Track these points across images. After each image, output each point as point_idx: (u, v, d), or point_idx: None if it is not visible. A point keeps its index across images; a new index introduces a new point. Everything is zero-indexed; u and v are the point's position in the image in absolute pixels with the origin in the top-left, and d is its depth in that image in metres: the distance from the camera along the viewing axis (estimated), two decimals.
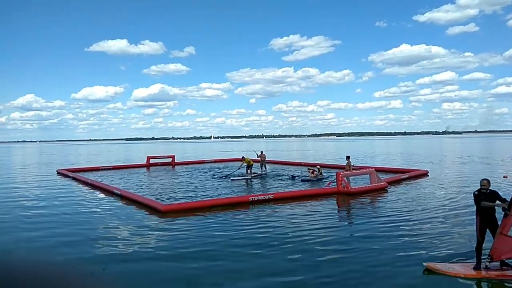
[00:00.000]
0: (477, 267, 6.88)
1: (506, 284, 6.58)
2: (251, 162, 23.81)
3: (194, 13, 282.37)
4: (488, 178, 7.06)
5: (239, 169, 24.28)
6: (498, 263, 6.96)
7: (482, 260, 6.94)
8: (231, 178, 22.53)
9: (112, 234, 10.32)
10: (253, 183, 20.97)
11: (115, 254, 8.57)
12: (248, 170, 23.64)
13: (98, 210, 14.03)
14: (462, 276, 6.67)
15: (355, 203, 14.53)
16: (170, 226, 11.09)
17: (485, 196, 6.80)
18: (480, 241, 6.95)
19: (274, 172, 25.37)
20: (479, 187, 6.92)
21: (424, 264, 7.15)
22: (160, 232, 10.42)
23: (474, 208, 12.13)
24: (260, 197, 14.73)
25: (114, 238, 9.90)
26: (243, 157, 24.44)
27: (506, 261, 6.95)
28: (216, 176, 23.77)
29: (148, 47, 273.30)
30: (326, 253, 8.22)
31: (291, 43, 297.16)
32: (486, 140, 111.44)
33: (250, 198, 14.58)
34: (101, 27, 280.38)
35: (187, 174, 26.01)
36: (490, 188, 6.85)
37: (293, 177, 22.00)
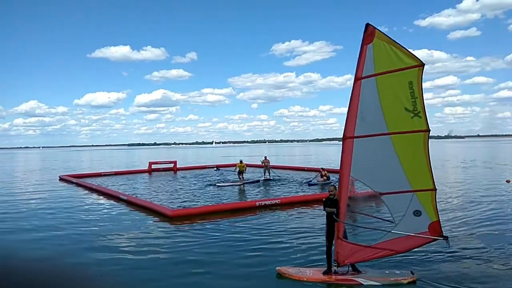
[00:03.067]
0: (326, 271, 6.98)
1: None
2: (243, 168, 23.40)
3: (196, 19, 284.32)
4: (335, 185, 7.12)
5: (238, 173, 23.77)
6: (350, 268, 7.02)
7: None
8: (217, 184, 22.11)
9: (121, 240, 10.18)
10: (245, 188, 20.69)
11: (123, 258, 8.42)
12: (240, 176, 23.21)
13: (105, 215, 13.91)
14: (305, 279, 6.85)
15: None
16: (179, 233, 10.93)
17: (332, 202, 6.92)
18: (328, 246, 7.03)
19: (279, 177, 25.15)
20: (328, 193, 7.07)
21: (277, 268, 7.23)
22: (169, 239, 10.23)
23: (479, 212, 12.03)
24: (267, 202, 14.59)
25: (123, 244, 9.76)
26: (241, 161, 24.16)
27: (357, 265, 7.05)
28: (211, 184, 22.84)
29: (150, 53, 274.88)
30: None
31: (293, 48, 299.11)
32: (489, 145, 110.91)
33: (257, 203, 14.42)
34: (103, 34, 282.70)
35: (189, 179, 25.86)
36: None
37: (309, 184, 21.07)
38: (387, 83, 6.15)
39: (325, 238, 7.16)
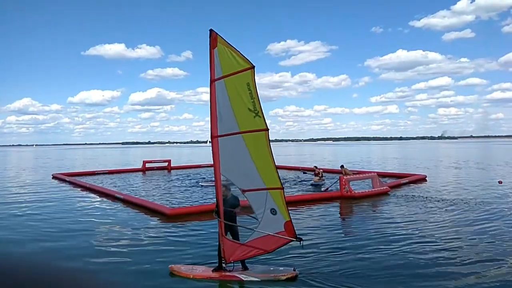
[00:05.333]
0: (216, 268, 7.18)
1: (228, 284, 6.91)
2: None
3: (192, 17, 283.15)
4: (227, 185, 7.21)
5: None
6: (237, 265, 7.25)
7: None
8: (201, 184, 21.87)
9: (117, 239, 10.03)
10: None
11: (119, 258, 8.28)
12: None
13: (99, 214, 13.74)
14: (191, 276, 7.05)
15: (359, 208, 14.31)
16: (177, 232, 10.79)
17: (225, 202, 7.11)
18: (219, 244, 7.19)
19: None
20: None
21: (170, 266, 7.40)
22: (168, 238, 10.09)
23: (470, 211, 11.92)
24: None
25: (120, 243, 9.61)
26: None
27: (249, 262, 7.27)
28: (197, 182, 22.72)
29: (145, 51, 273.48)
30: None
31: (288, 48, 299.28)
32: (482, 146, 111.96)
33: None
34: (98, 31, 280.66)
35: (184, 178, 25.73)
36: (232, 194, 7.29)
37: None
38: (233, 84, 6.56)
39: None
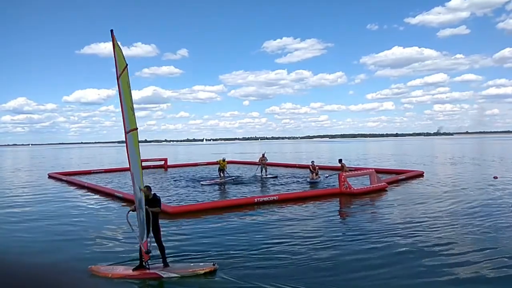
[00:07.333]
0: (137, 267, 7.20)
1: (148, 282, 6.96)
2: (224, 166, 22.66)
3: (187, 15, 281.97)
4: (149, 186, 7.45)
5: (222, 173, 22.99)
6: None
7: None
8: (201, 183, 21.56)
9: (118, 238, 9.97)
10: (227, 187, 20.15)
11: (118, 257, 8.17)
12: (221, 174, 22.51)
13: (98, 213, 13.63)
14: (110, 276, 7.01)
15: (358, 204, 14.30)
16: (180, 230, 10.74)
17: (147, 201, 7.13)
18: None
19: (272, 175, 25.08)
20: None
21: (89, 267, 7.33)
22: (171, 236, 10.00)
23: (467, 206, 11.96)
24: (265, 199, 14.69)
25: (119, 242, 9.56)
26: (223, 158, 23.39)
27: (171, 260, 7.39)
28: (198, 181, 22.63)
29: (140, 49, 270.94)
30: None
31: (284, 45, 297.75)
32: (477, 141, 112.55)
33: (255, 200, 14.48)
34: (92, 29, 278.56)
35: (180, 177, 25.63)
36: (154, 194, 7.43)
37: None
38: (124, 82, 6.73)
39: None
